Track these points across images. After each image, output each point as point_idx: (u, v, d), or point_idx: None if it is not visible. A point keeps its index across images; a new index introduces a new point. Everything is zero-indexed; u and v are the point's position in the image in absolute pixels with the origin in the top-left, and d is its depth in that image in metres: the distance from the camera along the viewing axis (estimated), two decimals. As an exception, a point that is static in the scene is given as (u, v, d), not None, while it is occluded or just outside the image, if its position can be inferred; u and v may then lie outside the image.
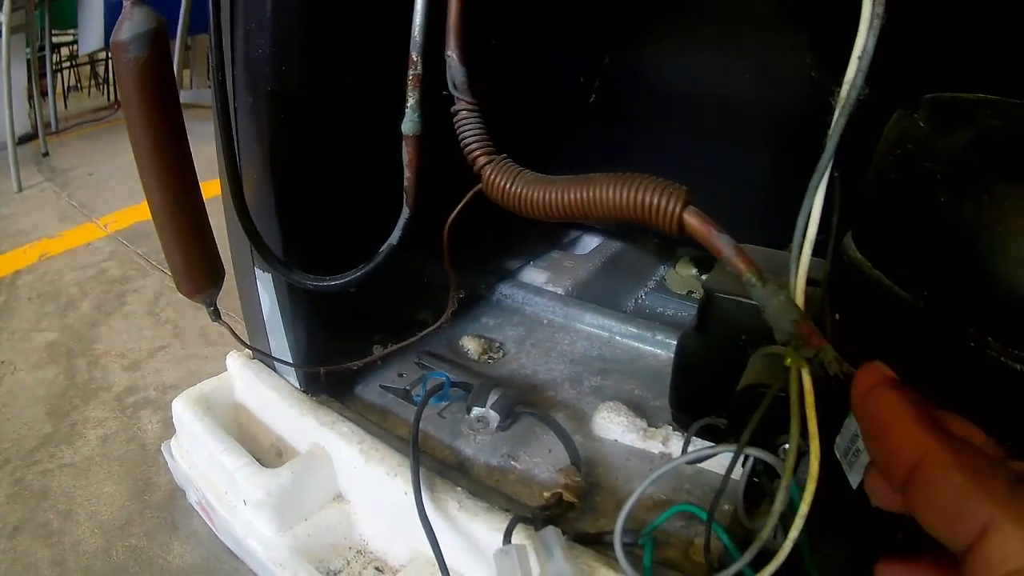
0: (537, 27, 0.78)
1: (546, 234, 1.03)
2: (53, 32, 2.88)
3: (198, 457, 0.72)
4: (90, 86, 3.77)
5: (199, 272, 0.52)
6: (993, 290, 0.29)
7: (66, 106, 3.36)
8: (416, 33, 0.49)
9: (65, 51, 3.42)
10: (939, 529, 0.21)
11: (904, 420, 0.23)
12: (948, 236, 0.31)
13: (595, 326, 0.87)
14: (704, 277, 1.05)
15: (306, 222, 0.62)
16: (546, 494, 0.58)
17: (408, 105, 0.49)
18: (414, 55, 0.49)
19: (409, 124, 0.49)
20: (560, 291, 0.93)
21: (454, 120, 0.47)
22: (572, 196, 0.40)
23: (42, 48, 2.77)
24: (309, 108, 0.59)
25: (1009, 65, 0.53)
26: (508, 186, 0.45)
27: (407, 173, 0.50)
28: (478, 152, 0.46)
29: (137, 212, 1.94)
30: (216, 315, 0.56)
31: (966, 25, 0.60)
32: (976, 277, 0.29)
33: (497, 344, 0.84)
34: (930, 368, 0.31)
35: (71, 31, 3.05)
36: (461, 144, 0.47)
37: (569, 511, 0.57)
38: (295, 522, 0.63)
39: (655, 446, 0.66)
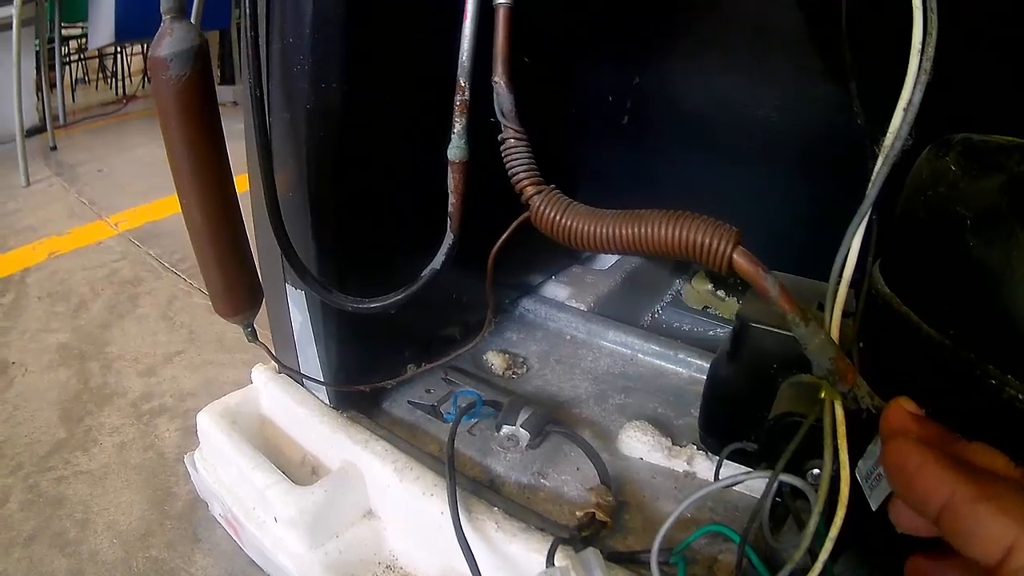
0: (570, 46, 0.78)
1: (567, 250, 1.02)
2: (62, 25, 2.86)
3: (224, 472, 0.71)
4: (98, 79, 3.75)
5: (239, 295, 0.51)
6: (1016, 332, 0.31)
7: (74, 99, 3.35)
8: (464, 58, 0.48)
9: (73, 44, 3.41)
10: (972, 551, 0.24)
11: (929, 465, 0.26)
12: (975, 278, 0.32)
13: (617, 343, 0.87)
14: (720, 292, 1.06)
15: (341, 241, 0.62)
16: (579, 513, 0.59)
17: (454, 131, 0.49)
18: (462, 80, 0.48)
19: (455, 150, 0.49)
20: (582, 307, 0.93)
21: (501, 148, 0.47)
22: (623, 231, 0.40)
23: (51, 40, 2.75)
24: (349, 126, 0.59)
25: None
26: (558, 218, 0.45)
27: (452, 199, 0.50)
28: (527, 182, 0.46)
29: (148, 211, 1.92)
30: (253, 335, 0.56)
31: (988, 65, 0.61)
32: (1001, 319, 0.31)
33: (521, 359, 0.84)
34: (953, 403, 0.33)
35: (80, 24, 3.03)
36: (509, 173, 0.46)
37: (601, 530, 0.58)
38: (326, 539, 0.63)
39: (680, 465, 0.66)
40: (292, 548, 0.62)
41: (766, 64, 0.77)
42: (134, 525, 0.85)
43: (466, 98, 0.48)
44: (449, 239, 0.51)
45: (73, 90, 3.46)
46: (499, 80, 0.47)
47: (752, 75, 0.78)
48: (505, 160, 0.47)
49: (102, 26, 2.41)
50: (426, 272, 0.52)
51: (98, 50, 3.35)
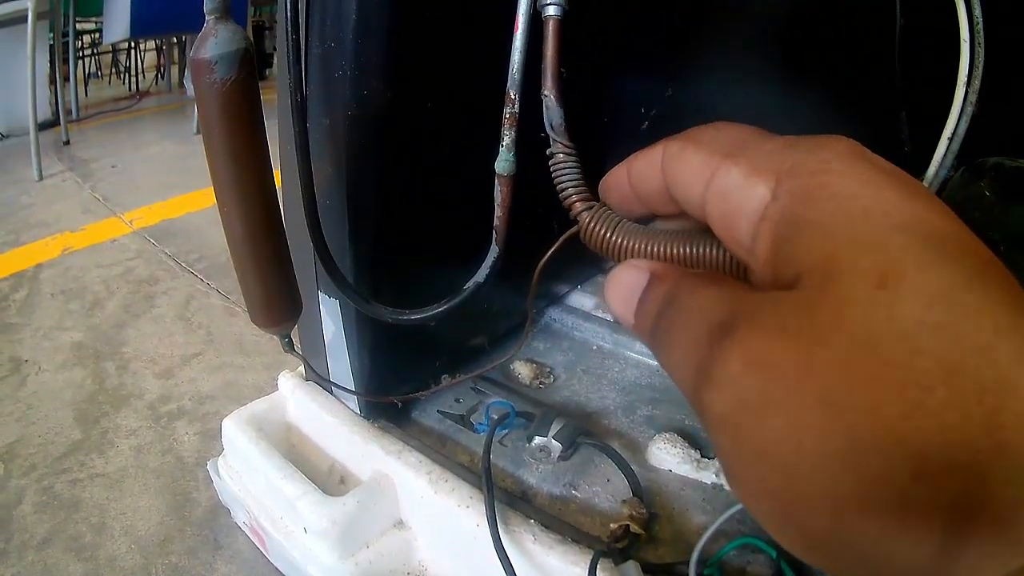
0: (605, 56, 0.77)
1: (592, 259, 1.02)
2: (76, 19, 2.85)
3: (251, 480, 0.70)
4: (111, 74, 3.75)
5: (279, 306, 0.50)
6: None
7: (86, 94, 3.34)
8: (514, 70, 0.47)
9: (86, 38, 3.41)
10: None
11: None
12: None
13: (644, 354, 0.86)
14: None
15: (378, 250, 0.61)
16: (613, 525, 0.59)
17: (503, 144, 0.48)
18: (511, 93, 0.47)
19: (503, 164, 0.48)
20: (608, 317, 0.92)
21: (550, 163, 0.46)
22: (676, 251, 0.40)
23: (65, 34, 2.75)
24: (391, 134, 0.58)
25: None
26: (608, 235, 0.44)
27: (499, 212, 0.49)
28: (576, 198, 0.45)
29: (163, 209, 1.90)
30: (290, 346, 0.54)
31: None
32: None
33: (548, 369, 0.83)
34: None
35: (94, 18, 3.04)
36: (557, 188, 0.46)
37: (635, 542, 0.58)
38: (357, 549, 0.62)
39: (708, 477, 0.66)
40: (322, 559, 0.61)
41: (802, 81, 0.76)
42: (153, 531, 0.84)
43: (515, 111, 0.47)
44: (494, 253, 0.50)
45: (86, 85, 3.46)
46: (548, 94, 0.46)
47: (787, 91, 0.77)
48: (554, 175, 0.46)
49: (117, 21, 2.40)
50: (469, 285, 0.51)
51: (112, 45, 3.35)
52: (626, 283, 0.21)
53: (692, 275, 0.19)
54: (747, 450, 0.14)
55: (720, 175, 0.18)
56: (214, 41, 0.46)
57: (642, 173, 0.22)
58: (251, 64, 0.48)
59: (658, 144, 0.21)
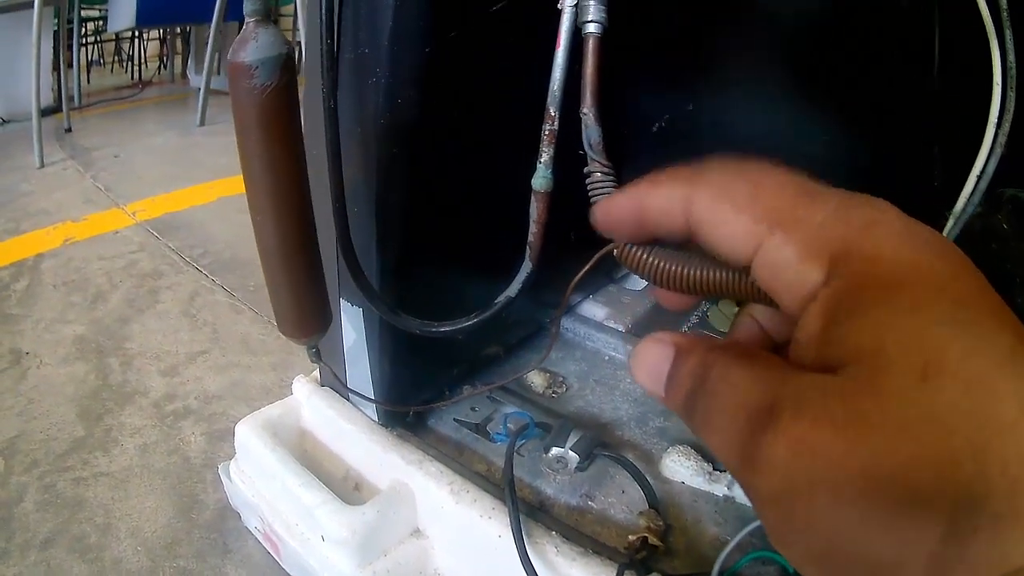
0: (630, 69, 0.77)
1: (604, 269, 1.02)
2: (81, 6, 2.83)
3: (265, 486, 0.70)
4: (113, 62, 3.72)
5: (310, 318, 0.50)
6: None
7: (88, 81, 3.30)
8: (555, 87, 0.47)
9: (90, 25, 3.38)
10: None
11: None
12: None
13: (656, 366, 0.86)
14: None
15: (406, 260, 0.61)
16: (632, 537, 0.59)
17: (541, 160, 0.48)
18: (551, 110, 0.47)
19: (541, 180, 0.48)
20: (620, 327, 0.93)
21: (587, 181, 0.46)
22: (712, 275, 0.40)
23: (70, 21, 2.72)
24: (424, 144, 0.57)
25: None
26: (644, 256, 0.44)
27: (533, 228, 0.49)
28: (613, 219, 0.45)
29: (167, 202, 1.89)
30: (317, 356, 0.54)
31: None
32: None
33: (560, 379, 0.83)
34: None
35: (98, 6, 3.01)
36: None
37: (653, 554, 0.59)
38: (375, 558, 0.62)
39: (720, 489, 0.67)
40: (340, 567, 0.61)
41: (819, 103, 0.77)
42: (160, 533, 0.83)
43: (555, 128, 0.47)
44: (527, 268, 0.50)
45: (88, 72, 3.42)
46: (588, 112, 0.46)
47: (817, 115, 0.77)
48: (591, 194, 0.47)
49: (123, 10, 2.38)
50: (500, 299, 0.51)
51: (115, 33, 3.32)
52: (651, 359, 0.21)
53: (720, 351, 0.20)
54: (795, 524, 0.16)
55: (771, 251, 0.19)
56: (255, 45, 0.45)
57: (661, 216, 0.22)
58: (292, 70, 0.47)
59: (675, 184, 0.21)
